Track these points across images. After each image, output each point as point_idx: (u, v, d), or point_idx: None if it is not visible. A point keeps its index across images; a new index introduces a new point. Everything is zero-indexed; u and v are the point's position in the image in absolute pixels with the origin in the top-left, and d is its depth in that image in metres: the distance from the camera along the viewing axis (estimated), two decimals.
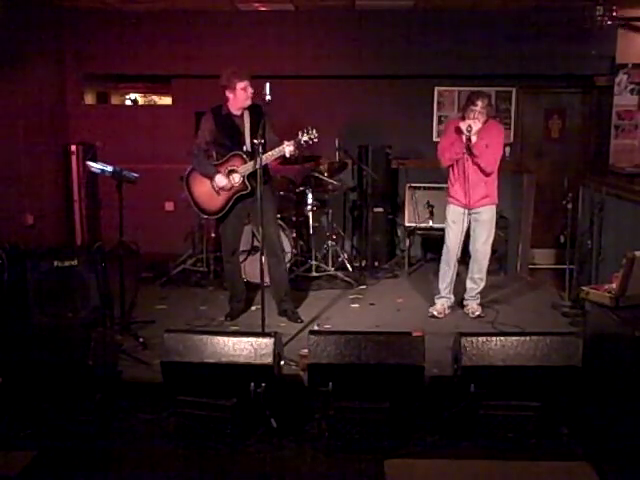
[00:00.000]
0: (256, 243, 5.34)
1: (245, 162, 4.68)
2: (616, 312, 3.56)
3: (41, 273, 4.58)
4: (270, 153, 4.58)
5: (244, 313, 5.10)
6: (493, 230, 5.11)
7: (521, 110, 7.39)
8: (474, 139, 4.82)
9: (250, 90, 4.65)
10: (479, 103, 4.82)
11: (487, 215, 5.03)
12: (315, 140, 4.65)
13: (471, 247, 5.14)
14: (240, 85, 4.62)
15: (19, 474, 3.02)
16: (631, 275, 3.57)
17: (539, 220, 6.90)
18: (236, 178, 4.71)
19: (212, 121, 4.76)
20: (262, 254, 4.40)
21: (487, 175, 4.94)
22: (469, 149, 4.84)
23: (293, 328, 4.77)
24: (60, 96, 7.25)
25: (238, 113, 4.73)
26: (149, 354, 4.22)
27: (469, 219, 5.05)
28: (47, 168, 6.85)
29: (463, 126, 4.83)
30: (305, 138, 4.63)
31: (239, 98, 4.66)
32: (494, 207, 5.07)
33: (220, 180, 4.72)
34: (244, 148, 4.72)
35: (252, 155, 4.64)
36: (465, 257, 5.27)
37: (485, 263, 5.13)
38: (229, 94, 4.68)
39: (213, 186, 4.76)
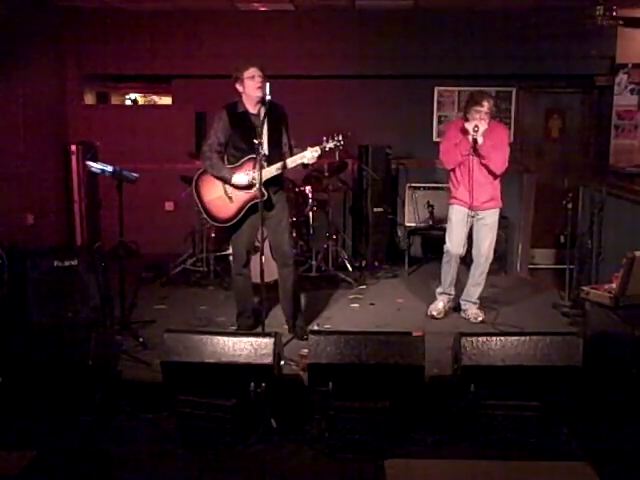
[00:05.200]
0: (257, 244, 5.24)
1: (263, 167, 4.24)
2: (616, 312, 3.56)
3: (41, 273, 4.57)
4: (291, 160, 4.32)
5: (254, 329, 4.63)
6: (496, 233, 5.05)
7: (521, 110, 7.39)
8: (480, 140, 4.69)
9: (259, 79, 4.25)
10: (485, 104, 4.70)
11: (492, 219, 4.95)
12: (341, 147, 4.30)
13: (475, 251, 5.03)
14: (247, 74, 4.27)
15: (19, 474, 3.02)
16: (631, 275, 3.58)
17: (539, 220, 6.90)
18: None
19: (227, 120, 4.36)
20: (262, 254, 4.24)
21: (496, 177, 4.86)
22: (475, 150, 4.72)
23: None
24: (60, 96, 7.25)
25: (254, 111, 4.36)
26: (149, 354, 4.22)
27: (472, 221, 4.95)
28: (47, 168, 6.85)
29: (469, 126, 4.71)
30: (330, 145, 4.26)
31: (249, 89, 4.29)
32: (498, 210, 4.99)
33: (239, 178, 4.35)
34: (261, 152, 4.24)
35: (270, 160, 4.33)
36: (466, 259, 5.17)
37: (488, 266, 5.05)
38: (239, 87, 4.33)
39: (226, 190, 4.41)
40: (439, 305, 5.13)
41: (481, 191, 4.86)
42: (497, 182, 4.93)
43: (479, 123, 4.69)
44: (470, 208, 4.89)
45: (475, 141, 4.68)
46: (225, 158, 4.47)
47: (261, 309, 4.37)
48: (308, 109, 6.82)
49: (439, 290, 5.19)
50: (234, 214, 4.45)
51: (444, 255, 5.12)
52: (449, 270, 5.07)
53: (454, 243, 4.98)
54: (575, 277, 5.52)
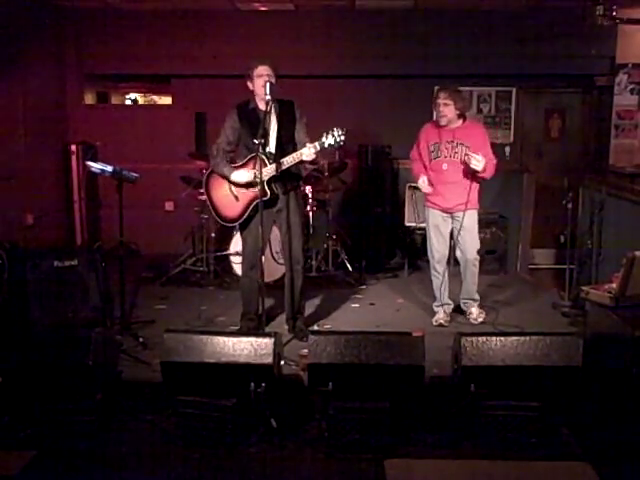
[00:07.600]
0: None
1: (265, 166, 4.21)
2: (616, 312, 3.57)
3: (41, 273, 4.57)
4: (289, 157, 4.26)
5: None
6: (477, 232, 4.97)
7: (521, 110, 7.39)
8: (429, 189, 4.83)
9: (267, 77, 4.24)
10: (440, 95, 4.70)
11: (470, 220, 4.86)
12: (342, 143, 4.17)
13: (459, 255, 4.97)
14: (257, 72, 4.29)
15: (19, 474, 3.02)
16: (631, 275, 3.58)
17: (539, 220, 6.90)
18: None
19: (236, 117, 4.39)
20: (262, 254, 4.25)
21: (475, 179, 4.77)
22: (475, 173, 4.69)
23: None
24: (60, 96, 7.25)
25: (265, 108, 4.27)
26: (149, 354, 4.22)
27: (451, 223, 4.91)
28: (47, 168, 6.86)
29: (419, 182, 4.86)
30: (330, 141, 4.15)
31: (257, 87, 4.29)
32: (475, 211, 4.90)
33: (239, 175, 4.35)
34: (267, 149, 4.26)
35: (275, 158, 4.29)
36: (450, 261, 5.12)
37: (477, 266, 4.99)
38: (250, 85, 4.36)
39: (232, 189, 4.42)
40: (441, 314, 5.01)
41: (453, 193, 4.79)
42: (474, 184, 4.82)
43: (421, 182, 4.84)
44: (444, 211, 4.86)
45: (475, 171, 4.63)
46: (238, 156, 4.49)
47: (262, 309, 4.37)
48: (308, 109, 6.71)
49: (436, 304, 5.09)
50: (240, 213, 4.45)
51: (430, 262, 5.06)
52: (439, 282, 5.00)
53: (437, 248, 4.93)
54: (575, 277, 5.51)
